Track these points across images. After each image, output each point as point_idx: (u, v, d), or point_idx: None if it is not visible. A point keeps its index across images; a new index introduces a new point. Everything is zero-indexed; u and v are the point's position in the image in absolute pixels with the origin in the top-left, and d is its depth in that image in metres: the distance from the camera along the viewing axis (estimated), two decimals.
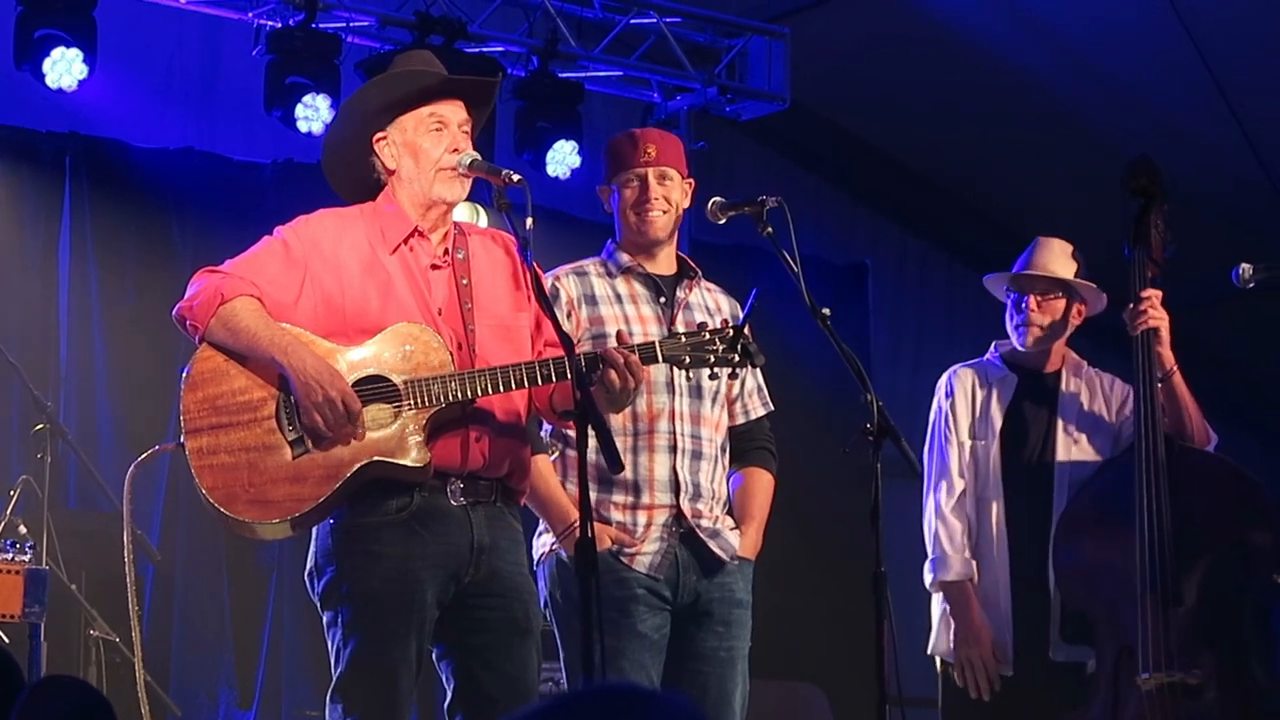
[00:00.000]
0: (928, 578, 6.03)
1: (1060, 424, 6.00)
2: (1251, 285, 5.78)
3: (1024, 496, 5.97)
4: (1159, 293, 5.87)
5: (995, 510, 5.97)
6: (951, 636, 5.95)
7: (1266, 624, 5.76)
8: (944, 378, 6.15)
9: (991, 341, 6.21)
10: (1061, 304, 6.04)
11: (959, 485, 6.00)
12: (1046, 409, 6.04)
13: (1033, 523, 5.93)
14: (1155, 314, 5.83)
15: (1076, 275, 6.03)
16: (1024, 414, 6.04)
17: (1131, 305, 5.87)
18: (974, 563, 5.94)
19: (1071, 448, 5.98)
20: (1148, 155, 6.13)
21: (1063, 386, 6.06)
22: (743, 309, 4.96)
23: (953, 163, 10.58)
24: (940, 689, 6.07)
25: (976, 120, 9.98)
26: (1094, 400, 6.05)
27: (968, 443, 6.03)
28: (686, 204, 5.42)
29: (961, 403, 6.08)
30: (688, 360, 4.65)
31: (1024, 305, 6.03)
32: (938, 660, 6.06)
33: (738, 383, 5.40)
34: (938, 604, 6.06)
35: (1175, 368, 5.84)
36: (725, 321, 4.78)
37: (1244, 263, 5.77)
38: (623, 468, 4.61)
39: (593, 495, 4.85)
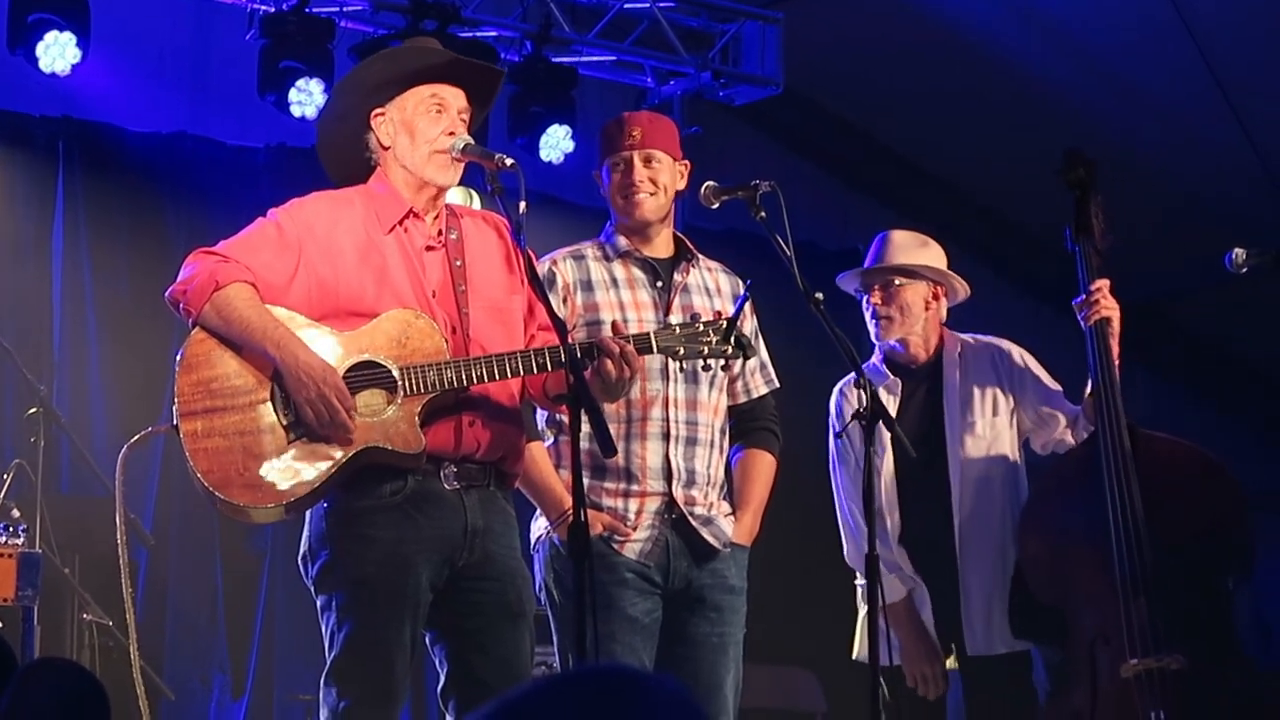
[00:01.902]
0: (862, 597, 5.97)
1: (947, 418, 5.98)
2: (1244, 270, 5.79)
3: (923, 502, 5.95)
4: (1107, 282, 5.85)
5: (895, 521, 5.95)
6: (898, 652, 5.86)
7: (1246, 607, 5.76)
8: (833, 396, 6.08)
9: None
10: (910, 291, 6.01)
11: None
12: (931, 405, 6.02)
13: (935, 526, 5.92)
14: (1106, 304, 5.81)
15: (936, 263, 6.04)
16: (911, 417, 5.99)
17: (1082, 297, 5.84)
18: (907, 577, 5.93)
19: (963, 440, 5.95)
20: (1079, 148, 6.13)
21: (945, 376, 6.03)
22: (742, 288, 4.97)
23: (945, 149, 10.58)
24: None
25: (969, 107, 9.98)
26: (980, 376, 6.03)
27: (849, 457, 5.98)
28: (680, 186, 5.41)
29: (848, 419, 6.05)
30: (682, 351, 4.66)
31: (868, 301, 6.05)
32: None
33: (738, 363, 5.40)
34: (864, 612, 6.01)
35: (1118, 360, 5.82)
36: (719, 313, 4.79)
37: (1237, 247, 5.78)
38: (615, 452, 4.62)
39: (585, 481, 4.85)
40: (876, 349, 6.12)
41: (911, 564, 5.93)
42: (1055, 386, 6.03)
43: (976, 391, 6.01)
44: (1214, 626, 5.67)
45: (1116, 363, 5.81)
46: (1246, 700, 5.58)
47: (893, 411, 5.94)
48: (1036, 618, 5.83)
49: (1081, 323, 5.84)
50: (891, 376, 6.05)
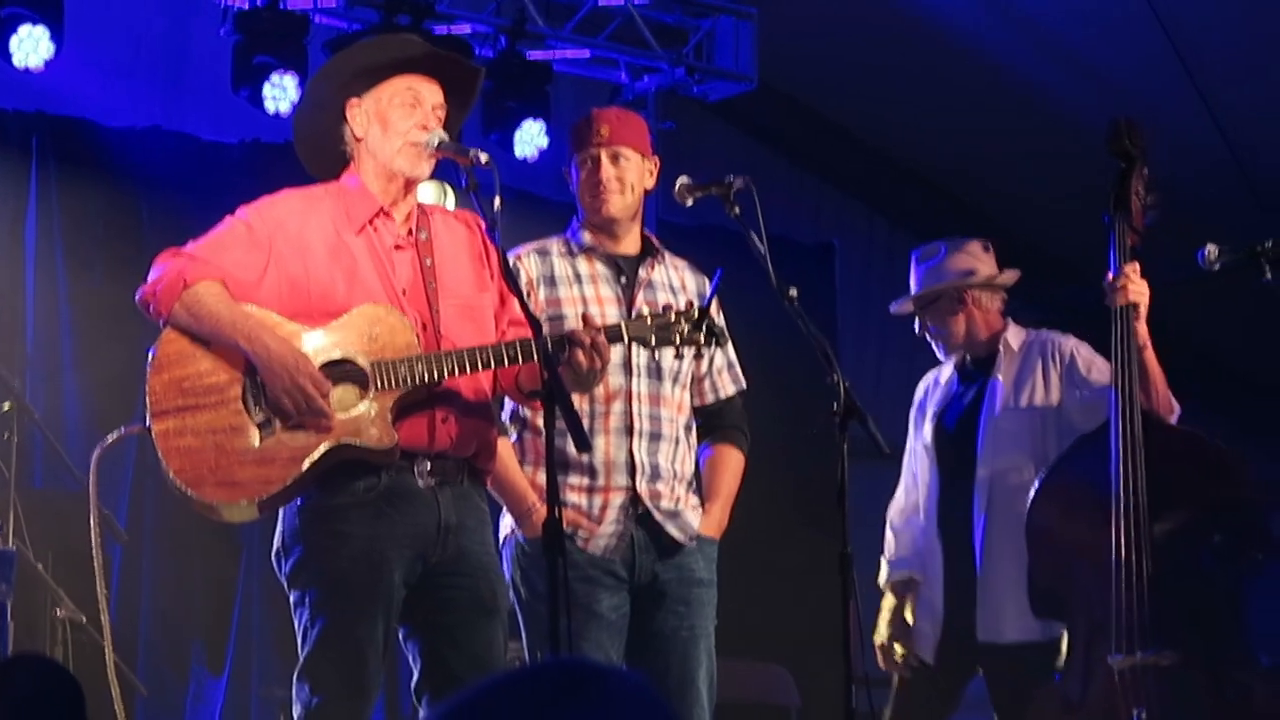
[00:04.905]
0: (880, 579, 6.22)
1: (984, 413, 6.04)
2: (1217, 267, 5.76)
3: (952, 491, 6.07)
4: (1137, 265, 5.74)
5: (929, 508, 6.11)
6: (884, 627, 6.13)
7: (1243, 608, 5.71)
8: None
9: None
10: (934, 315, 6.18)
11: (909, 493, 6.22)
12: (975, 399, 6.10)
13: (960, 516, 6.01)
14: (1135, 287, 5.68)
15: (946, 274, 6.14)
16: (954, 408, 6.14)
17: (1110, 277, 5.72)
18: (918, 564, 6.11)
19: (994, 431, 6.01)
20: (1130, 117, 6.09)
21: (996, 370, 6.09)
22: (709, 286, 4.96)
23: (920, 144, 10.60)
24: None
25: (944, 101, 10.00)
26: (1028, 368, 6.05)
27: (912, 447, 6.23)
28: (649, 184, 5.41)
29: (915, 410, 6.28)
30: (653, 341, 4.67)
31: (920, 329, 6.25)
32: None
33: (705, 361, 5.41)
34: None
35: (1148, 343, 5.73)
36: (690, 303, 4.79)
37: (1210, 244, 5.77)
38: (590, 448, 4.61)
39: None
40: None
41: (941, 549, 6.05)
42: (1107, 381, 5.95)
43: (1019, 383, 6.05)
44: (1212, 625, 5.58)
45: (1145, 347, 5.71)
46: (1240, 700, 5.52)
47: (934, 407, 6.17)
48: (1043, 599, 5.82)
49: (1108, 303, 5.71)
50: (952, 369, 6.21)
